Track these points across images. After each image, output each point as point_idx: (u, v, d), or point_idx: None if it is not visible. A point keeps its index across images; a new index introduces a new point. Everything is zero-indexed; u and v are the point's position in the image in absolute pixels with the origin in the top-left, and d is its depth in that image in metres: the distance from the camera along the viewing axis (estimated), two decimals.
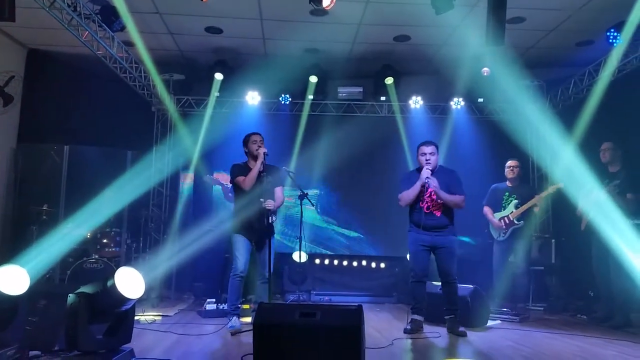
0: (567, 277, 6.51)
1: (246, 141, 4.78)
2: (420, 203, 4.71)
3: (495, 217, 5.83)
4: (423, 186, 4.66)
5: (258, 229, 4.60)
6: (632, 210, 4.92)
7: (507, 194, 5.84)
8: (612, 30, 5.66)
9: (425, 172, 4.62)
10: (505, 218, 5.75)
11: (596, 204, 5.12)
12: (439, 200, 4.69)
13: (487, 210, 5.92)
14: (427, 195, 4.71)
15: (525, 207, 5.66)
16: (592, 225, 5.29)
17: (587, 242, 5.47)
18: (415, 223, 4.79)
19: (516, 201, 5.73)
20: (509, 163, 5.91)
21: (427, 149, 4.71)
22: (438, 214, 4.70)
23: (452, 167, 5.03)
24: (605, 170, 5.28)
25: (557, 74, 7.37)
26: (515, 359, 3.66)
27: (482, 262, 6.27)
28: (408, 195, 4.75)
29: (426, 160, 4.68)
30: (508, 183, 5.89)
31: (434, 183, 4.61)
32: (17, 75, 6.77)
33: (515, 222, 5.68)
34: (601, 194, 5.08)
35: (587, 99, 6.30)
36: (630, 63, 5.96)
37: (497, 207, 5.87)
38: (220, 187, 6.53)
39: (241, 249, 4.60)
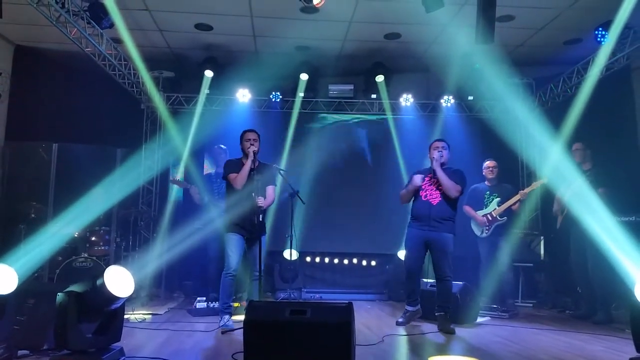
0: (555, 273, 6.56)
1: (241, 138, 4.77)
2: (421, 192, 4.86)
3: (478, 214, 5.91)
4: (417, 189, 4.87)
5: (250, 226, 4.60)
6: (604, 204, 5.07)
7: (487, 193, 5.95)
8: (600, 29, 5.71)
9: (418, 178, 4.86)
10: (488, 215, 5.85)
11: (577, 195, 5.22)
12: (438, 189, 4.78)
13: (467, 208, 6.00)
14: (427, 184, 4.84)
15: (508, 203, 5.77)
16: (568, 221, 5.41)
17: (566, 238, 5.57)
18: (414, 216, 4.90)
19: (498, 199, 5.85)
20: (488, 164, 6.02)
21: (439, 144, 4.95)
22: (435, 202, 4.78)
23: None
24: (579, 169, 5.47)
25: (545, 72, 7.42)
26: (504, 355, 3.69)
27: (471, 258, 6.31)
28: (402, 195, 5.01)
29: (438, 151, 4.86)
30: (487, 183, 6.03)
31: (436, 163, 4.80)
32: (4, 72, 6.70)
33: (498, 218, 5.78)
34: (582, 184, 5.20)
35: (576, 96, 6.35)
36: (618, 61, 6.02)
37: (479, 206, 5.97)
38: (189, 189, 6.51)
39: (233, 247, 4.59)
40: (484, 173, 6.02)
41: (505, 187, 5.99)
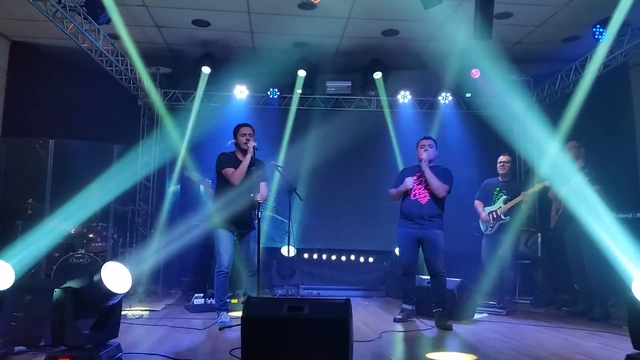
0: (553, 270, 6.58)
1: (235, 132, 4.70)
2: (409, 191, 4.89)
3: (484, 211, 5.90)
4: (406, 191, 4.90)
5: (245, 223, 4.58)
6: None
7: (497, 189, 5.92)
8: (598, 26, 5.71)
9: (409, 181, 4.87)
10: (493, 212, 5.82)
11: (573, 192, 5.23)
12: (427, 188, 4.80)
13: (477, 204, 6.01)
14: (416, 183, 4.85)
15: (511, 203, 5.75)
16: (564, 218, 5.42)
17: (560, 236, 5.59)
18: (403, 215, 4.93)
19: (505, 197, 5.81)
20: (501, 158, 5.97)
21: (426, 142, 4.94)
22: (424, 201, 4.81)
23: (441, 163, 5.11)
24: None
25: (543, 69, 7.42)
26: (502, 351, 3.69)
27: (470, 255, 6.31)
28: (392, 194, 5.03)
29: (424, 150, 4.86)
30: (499, 178, 5.98)
31: (425, 163, 4.80)
32: (0, 68, 6.67)
33: (502, 217, 5.75)
34: (580, 180, 5.20)
35: (573, 94, 6.36)
36: (616, 59, 6.02)
37: (488, 201, 5.95)
38: (201, 182, 6.50)
39: (225, 244, 4.54)
40: (497, 168, 5.99)
41: (515, 185, 5.95)
